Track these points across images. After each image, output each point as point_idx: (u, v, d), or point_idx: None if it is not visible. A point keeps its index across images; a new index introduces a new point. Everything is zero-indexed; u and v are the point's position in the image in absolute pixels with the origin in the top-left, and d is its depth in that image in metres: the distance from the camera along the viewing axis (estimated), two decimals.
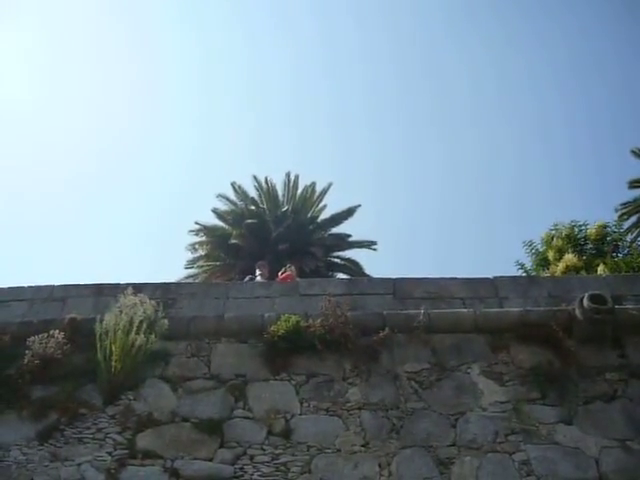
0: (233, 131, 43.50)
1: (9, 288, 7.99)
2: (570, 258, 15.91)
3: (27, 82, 39.28)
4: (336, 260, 22.47)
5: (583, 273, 14.44)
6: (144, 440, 6.33)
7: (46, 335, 6.77)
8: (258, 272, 11.38)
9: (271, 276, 11.21)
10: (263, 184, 22.63)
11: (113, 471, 6.12)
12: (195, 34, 43.43)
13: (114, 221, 42.49)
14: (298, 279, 9.50)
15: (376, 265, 32.42)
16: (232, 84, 44.37)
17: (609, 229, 17.83)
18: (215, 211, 22.37)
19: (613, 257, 16.47)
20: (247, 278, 11.59)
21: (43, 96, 41.44)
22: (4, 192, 38.46)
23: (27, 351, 6.70)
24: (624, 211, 20.38)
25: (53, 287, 7.95)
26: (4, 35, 36.86)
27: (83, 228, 41.78)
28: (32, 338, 6.75)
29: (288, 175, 22.93)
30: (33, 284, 8.00)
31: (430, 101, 44.51)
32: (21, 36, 38.56)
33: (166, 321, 6.85)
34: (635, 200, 20.73)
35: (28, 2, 36.72)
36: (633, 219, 20.46)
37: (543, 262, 17.45)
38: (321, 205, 22.68)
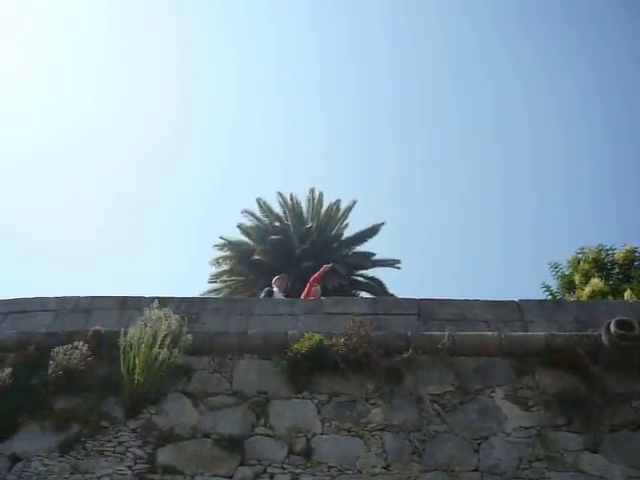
0: (260, 147, 43.82)
1: (35, 298, 8.06)
2: (596, 282, 15.68)
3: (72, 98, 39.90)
4: (359, 278, 22.43)
5: (610, 298, 14.24)
6: (165, 455, 6.32)
7: (70, 346, 6.82)
8: (275, 285, 10.78)
9: (292, 289, 10.86)
10: (288, 200, 22.73)
11: None
12: (228, 51, 43.94)
13: (141, 234, 42.91)
14: (322, 298, 9.44)
15: (398, 283, 32.35)
16: (261, 101, 44.78)
17: (637, 254, 17.57)
18: (240, 226, 22.50)
19: None
20: (264, 290, 11.03)
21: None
22: (33, 204, 38.94)
23: (51, 362, 6.74)
24: None
25: (79, 298, 8.01)
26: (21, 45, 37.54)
27: (110, 241, 42.19)
28: (56, 349, 6.79)
29: (312, 192, 23.03)
30: (59, 295, 8.08)
31: (455, 119, 44.52)
32: (32, 37, 39.27)
33: (190, 336, 6.85)
34: None
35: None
36: None
37: (569, 285, 17.23)
38: (345, 223, 22.71)
